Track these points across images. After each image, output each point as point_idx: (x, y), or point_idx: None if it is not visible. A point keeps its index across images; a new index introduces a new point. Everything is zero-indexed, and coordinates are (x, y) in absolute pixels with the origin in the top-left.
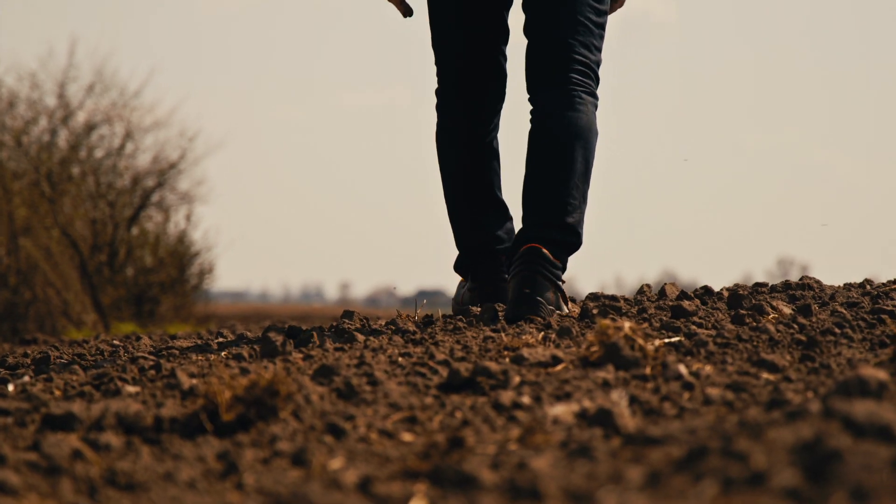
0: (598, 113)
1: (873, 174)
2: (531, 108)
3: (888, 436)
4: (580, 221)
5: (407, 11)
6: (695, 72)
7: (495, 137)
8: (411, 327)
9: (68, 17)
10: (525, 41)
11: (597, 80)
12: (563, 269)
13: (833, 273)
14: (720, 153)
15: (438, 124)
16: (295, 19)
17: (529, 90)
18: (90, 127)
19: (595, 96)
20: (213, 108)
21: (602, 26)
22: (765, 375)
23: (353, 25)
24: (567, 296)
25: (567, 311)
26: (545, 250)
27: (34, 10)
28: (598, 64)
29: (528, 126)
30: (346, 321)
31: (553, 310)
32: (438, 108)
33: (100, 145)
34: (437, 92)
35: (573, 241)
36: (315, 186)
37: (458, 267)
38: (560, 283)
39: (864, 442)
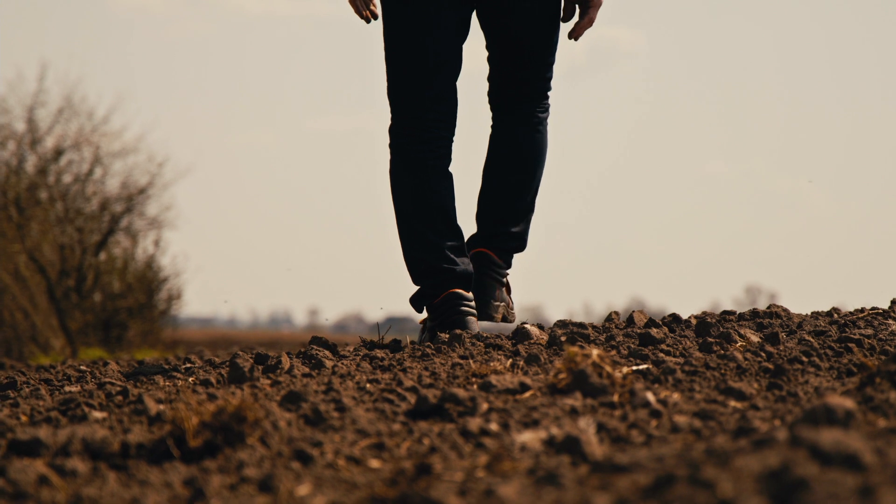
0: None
1: (840, 203)
2: (493, 116)
3: (855, 464)
4: (527, 229)
5: (369, 16)
6: (662, 100)
7: (448, 163)
8: (380, 354)
9: (38, 42)
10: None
11: (551, 89)
12: (509, 267)
13: (800, 301)
14: (688, 181)
15: (393, 155)
16: (262, 45)
17: (493, 104)
18: (58, 152)
19: (548, 109)
20: (182, 134)
21: (557, 41)
22: (732, 403)
23: (320, 51)
24: (510, 287)
25: (511, 303)
26: (492, 253)
27: (3, 35)
28: (552, 76)
29: (486, 138)
30: (315, 347)
31: (500, 304)
32: (394, 144)
33: (68, 170)
34: (392, 129)
35: (519, 245)
36: (283, 212)
37: (416, 300)
38: (505, 279)
39: (831, 470)
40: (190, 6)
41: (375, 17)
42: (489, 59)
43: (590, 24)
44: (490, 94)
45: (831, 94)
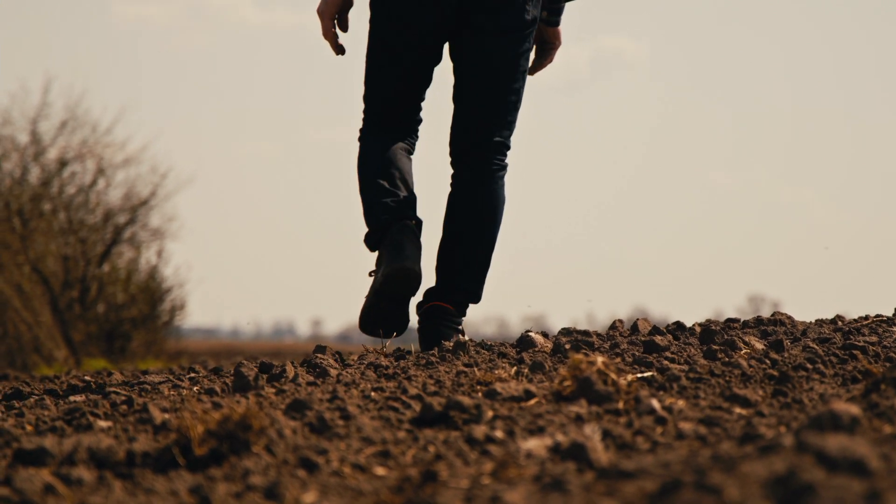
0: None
1: (843, 211)
2: (453, 173)
3: (861, 470)
4: (483, 282)
5: (340, 50)
6: (665, 110)
7: (413, 147)
8: (384, 362)
9: (42, 54)
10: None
11: (509, 148)
12: (463, 315)
13: (804, 309)
14: (690, 191)
15: (361, 144)
16: (265, 56)
17: (453, 158)
18: (62, 163)
19: (506, 167)
20: (185, 144)
21: (519, 100)
22: (737, 410)
23: (323, 61)
24: (464, 332)
25: None
26: (448, 305)
27: (7, 47)
28: (511, 134)
29: (448, 180)
30: (319, 356)
31: None
32: (362, 130)
33: (71, 182)
34: (364, 120)
35: (473, 300)
36: (286, 222)
37: (369, 240)
38: (460, 327)
39: (837, 476)
40: (192, 18)
41: (343, 52)
42: (454, 98)
43: (549, 62)
44: (451, 144)
45: (834, 103)
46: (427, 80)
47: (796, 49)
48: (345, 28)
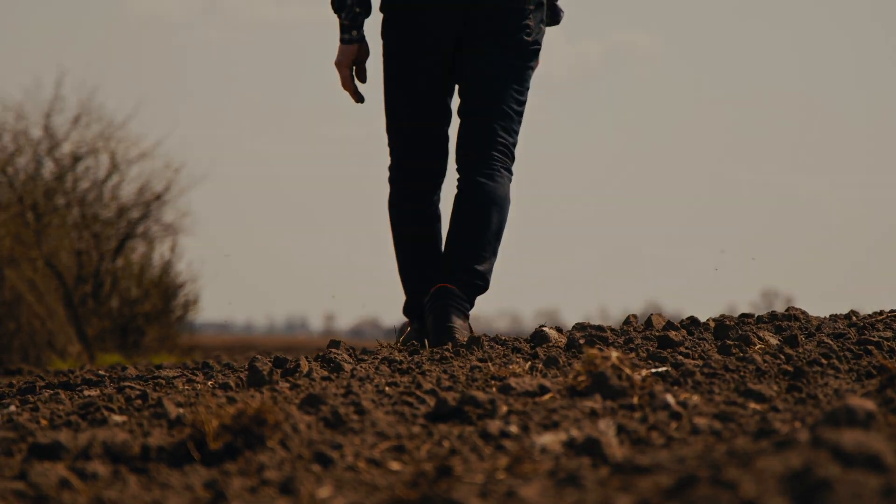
0: (515, 181)
1: (857, 206)
2: (458, 177)
3: (877, 465)
4: (489, 270)
5: (360, 99)
6: (679, 104)
7: (438, 204)
8: (398, 357)
9: (55, 48)
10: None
11: (513, 158)
12: (471, 305)
13: (818, 305)
14: (703, 185)
15: (391, 193)
16: (278, 51)
17: (458, 163)
18: (75, 158)
19: (511, 172)
20: (198, 139)
21: (521, 113)
22: (752, 405)
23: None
24: (472, 328)
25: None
26: (453, 287)
27: (21, 41)
28: (515, 144)
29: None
30: (333, 350)
31: (466, 333)
32: (391, 180)
33: (85, 176)
34: (390, 167)
35: (481, 283)
36: (299, 217)
37: (407, 311)
38: (467, 314)
39: (853, 471)
40: (206, 13)
41: (363, 101)
42: (459, 112)
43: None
44: (457, 152)
45: (850, 97)
46: (446, 113)
47: (814, 40)
48: (363, 78)
